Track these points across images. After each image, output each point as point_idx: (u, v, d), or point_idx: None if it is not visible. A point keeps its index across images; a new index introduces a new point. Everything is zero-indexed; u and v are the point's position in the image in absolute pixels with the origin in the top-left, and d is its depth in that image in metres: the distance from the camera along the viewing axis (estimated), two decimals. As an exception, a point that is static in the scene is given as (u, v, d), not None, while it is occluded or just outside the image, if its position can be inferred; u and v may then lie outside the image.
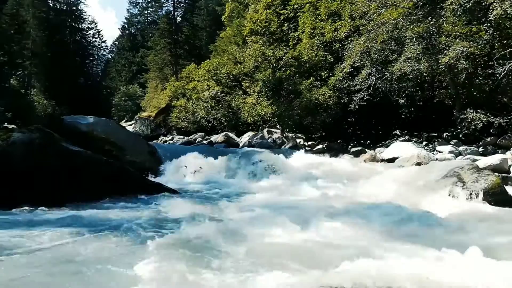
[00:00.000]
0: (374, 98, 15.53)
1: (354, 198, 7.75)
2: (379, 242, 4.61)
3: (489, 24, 12.13)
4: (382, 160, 12.43)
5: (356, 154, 14.31)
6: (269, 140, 17.86)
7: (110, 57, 60.21)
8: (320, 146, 16.85)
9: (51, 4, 44.47)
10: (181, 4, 48.61)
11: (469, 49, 12.09)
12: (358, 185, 9.16)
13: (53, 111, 22.79)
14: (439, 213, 6.10)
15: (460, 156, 11.62)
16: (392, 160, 12.09)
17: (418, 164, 10.65)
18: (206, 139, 21.60)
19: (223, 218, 5.94)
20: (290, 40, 20.31)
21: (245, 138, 19.47)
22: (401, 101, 15.22)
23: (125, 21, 58.65)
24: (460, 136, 13.54)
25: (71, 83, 38.14)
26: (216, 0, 41.41)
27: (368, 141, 16.38)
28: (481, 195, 6.97)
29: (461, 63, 12.39)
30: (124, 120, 41.07)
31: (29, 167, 6.61)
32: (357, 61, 15.73)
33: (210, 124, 24.14)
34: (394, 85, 14.96)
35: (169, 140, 26.07)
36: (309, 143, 17.79)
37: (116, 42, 59.13)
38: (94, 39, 54.82)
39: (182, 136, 25.08)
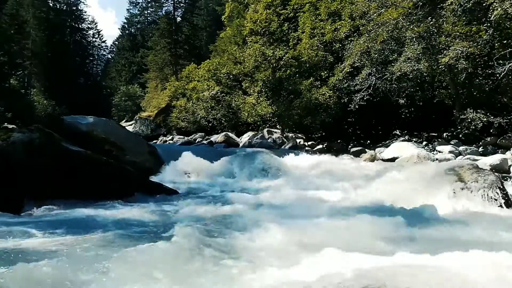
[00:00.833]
0: (374, 98, 15.54)
1: (354, 198, 7.75)
2: (379, 242, 4.61)
3: (489, 24, 12.13)
4: (382, 160, 12.43)
5: (356, 154, 14.32)
6: (269, 140, 17.86)
7: (110, 57, 60.36)
8: (320, 146, 16.86)
9: (51, 4, 44.49)
10: (181, 4, 48.71)
11: (469, 49, 12.10)
12: (358, 185, 9.16)
13: (53, 111, 22.80)
14: (439, 213, 6.10)
15: (460, 156, 11.63)
16: (392, 160, 12.09)
17: (418, 164, 10.65)
18: (206, 139, 21.62)
19: (222, 218, 5.93)
20: (290, 40, 20.33)
21: (245, 138, 19.48)
22: (401, 101, 15.22)
23: (125, 21, 58.80)
24: (460, 136, 13.54)
25: (71, 83, 38.19)
26: (216, 0, 41.44)
27: (368, 141, 16.39)
28: (481, 195, 6.97)
29: (461, 63, 12.40)
30: (124, 120, 41.10)
31: (29, 167, 6.60)
32: (357, 61, 15.74)
33: (210, 124, 24.15)
34: (394, 85, 14.97)
35: (169, 140, 26.09)
36: (309, 143, 17.80)
37: (116, 42, 59.21)
38: (94, 39, 54.92)
39: (182, 136, 25.10)
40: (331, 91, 17.02)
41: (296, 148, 16.07)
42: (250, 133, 20.14)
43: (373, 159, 12.93)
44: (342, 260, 3.71)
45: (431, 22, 13.07)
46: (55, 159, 6.96)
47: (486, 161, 10.01)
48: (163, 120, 30.83)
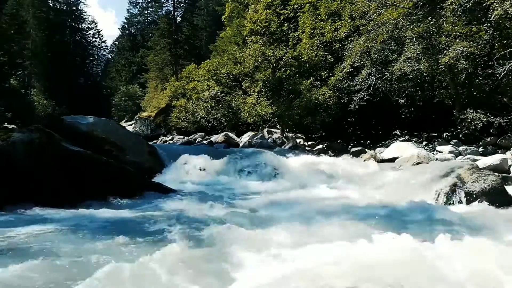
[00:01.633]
0: (374, 98, 15.54)
1: (354, 198, 7.75)
2: (376, 241, 4.61)
3: (489, 24, 12.13)
4: (382, 160, 12.42)
5: (356, 154, 14.31)
6: (269, 140, 17.86)
7: (110, 57, 60.38)
8: (320, 146, 16.85)
9: (51, 4, 44.50)
10: (181, 4, 48.70)
11: (469, 49, 12.09)
12: (358, 185, 9.17)
13: (53, 111, 22.82)
14: (439, 213, 6.10)
15: (460, 156, 11.62)
16: (392, 160, 12.08)
17: (418, 164, 10.65)
18: (206, 139, 21.60)
19: (222, 218, 5.93)
20: (290, 40, 20.31)
21: (245, 138, 19.46)
22: (401, 101, 15.22)
23: (125, 21, 58.82)
24: (460, 136, 13.54)
25: (71, 83, 38.18)
26: (216, 0, 41.44)
27: (368, 141, 16.38)
28: (481, 195, 6.98)
29: (461, 63, 12.39)
30: (124, 120, 41.10)
31: (28, 167, 6.61)
32: (357, 61, 15.73)
33: (210, 124, 24.14)
34: (394, 85, 14.96)
35: (169, 140, 26.07)
36: (309, 143, 17.79)
37: (116, 42, 59.23)
38: (94, 39, 54.93)
39: (182, 136, 25.08)
40: (331, 91, 17.01)
41: (296, 148, 16.05)
42: (250, 133, 20.12)
43: (373, 159, 12.93)
44: (340, 260, 3.71)
45: (431, 22, 13.07)
46: (55, 159, 6.96)
47: (486, 161, 10.01)
48: (163, 120, 30.81)
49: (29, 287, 3.32)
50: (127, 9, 77.11)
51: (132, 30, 58.07)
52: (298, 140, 18.04)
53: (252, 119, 20.33)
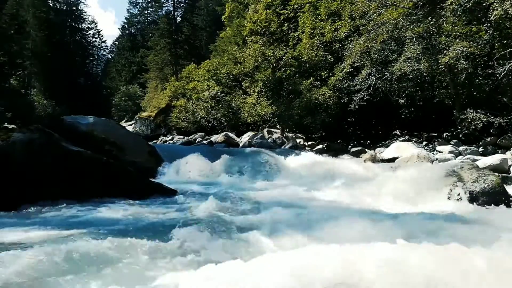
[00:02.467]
0: (374, 98, 15.55)
1: (354, 198, 7.75)
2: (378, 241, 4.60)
3: (489, 24, 12.14)
4: (382, 160, 12.43)
5: (356, 154, 14.32)
6: (269, 140, 17.86)
7: (110, 57, 60.31)
8: (320, 146, 16.86)
9: (51, 4, 44.41)
10: (181, 4, 48.69)
11: (469, 49, 12.10)
12: (358, 185, 9.15)
13: (53, 111, 22.75)
14: (439, 213, 6.10)
15: (460, 156, 11.62)
16: (392, 160, 12.09)
17: (418, 164, 10.64)
18: (206, 139, 21.60)
19: (222, 218, 5.93)
20: (290, 40, 20.33)
21: (245, 138, 19.46)
22: (401, 101, 15.23)
23: (125, 21, 58.82)
24: (460, 136, 13.55)
25: (71, 83, 38.08)
26: (216, 0, 41.44)
27: (368, 141, 16.39)
28: (481, 195, 6.98)
29: (461, 63, 12.40)
30: (124, 120, 41.10)
31: (29, 167, 6.61)
32: (357, 61, 15.74)
33: (210, 124, 24.15)
34: (394, 85, 14.97)
35: (169, 140, 26.07)
36: (309, 143, 17.80)
37: (116, 42, 59.21)
38: (94, 39, 54.77)
39: (182, 136, 25.09)
40: (331, 91, 17.02)
41: (296, 148, 16.06)
42: (250, 133, 20.12)
43: (373, 159, 12.93)
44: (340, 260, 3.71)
45: (431, 22, 13.07)
46: (55, 159, 6.96)
47: (486, 161, 10.01)
48: (163, 120, 30.81)
49: (31, 285, 3.32)
50: (127, 9, 77.26)
51: (132, 30, 58.06)
52: (298, 140, 18.05)
53: (252, 119, 20.34)
